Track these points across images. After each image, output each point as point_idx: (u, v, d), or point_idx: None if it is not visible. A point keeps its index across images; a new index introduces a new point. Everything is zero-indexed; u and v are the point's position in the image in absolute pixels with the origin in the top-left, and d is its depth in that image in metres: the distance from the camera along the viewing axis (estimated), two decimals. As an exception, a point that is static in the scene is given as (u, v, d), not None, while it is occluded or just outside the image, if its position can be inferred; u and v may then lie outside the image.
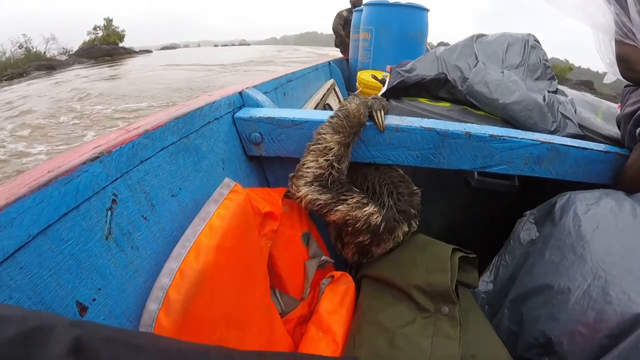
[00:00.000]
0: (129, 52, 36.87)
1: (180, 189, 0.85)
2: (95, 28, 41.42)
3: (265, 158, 1.23)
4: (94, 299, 0.59)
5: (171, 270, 0.65)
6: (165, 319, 0.61)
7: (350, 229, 1.03)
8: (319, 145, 0.98)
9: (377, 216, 1.00)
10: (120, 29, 43.57)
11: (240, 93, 1.23)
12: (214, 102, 1.04)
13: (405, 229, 1.07)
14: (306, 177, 0.98)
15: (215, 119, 1.05)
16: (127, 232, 0.68)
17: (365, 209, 0.99)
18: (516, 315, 0.93)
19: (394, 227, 1.04)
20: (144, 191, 0.73)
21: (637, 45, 1.17)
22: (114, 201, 0.66)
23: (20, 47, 33.29)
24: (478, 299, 1.08)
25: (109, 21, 42.00)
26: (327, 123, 1.01)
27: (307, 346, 0.91)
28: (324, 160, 0.97)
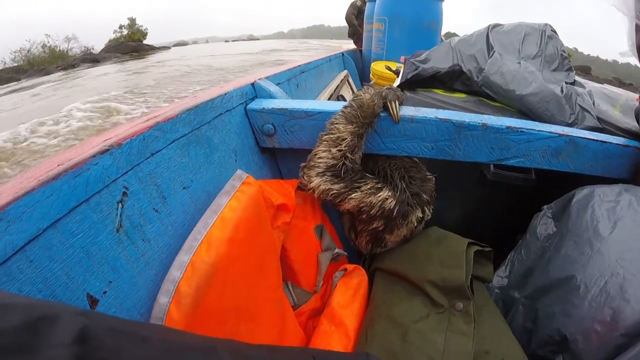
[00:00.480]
0: (152, 49, 39.86)
1: (192, 181, 0.85)
2: (120, 27, 45.19)
3: (278, 150, 1.23)
4: (105, 292, 0.59)
5: (182, 263, 0.65)
6: (176, 312, 0.61)
7: (364, 216, 1.02)
8: (331, 135, 0.97)
9: (392, 200, 0.99)
10: (143, 27, 47.90)
11: (252, 84, 1.22)
12: (225, 94, 1.04)
13: (419, 214, 1.06)
14: (318, 167, 0.97)
15: (227, 110, 1.04)
16: (138, 224, 0.67)
17: (379, 195, 0.98)
18: (531, 312, 0.92)
19: (408, 212, 1.02)
20: (155, 183, 0.73)
21: None
22: (124, 194, 0.65)
23: (44, 46, 38.72)
24: (492, 294, 1.07)
25: (132, 20, 45.50)
26: (340, 113, 1.00)
27: (319, 339, 0.90)
28: (337, 150, 0.96)
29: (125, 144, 0.67)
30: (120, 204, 0.64)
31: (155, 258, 0.70)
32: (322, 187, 0.97)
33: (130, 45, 38.10)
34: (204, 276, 0.65)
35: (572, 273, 0.84)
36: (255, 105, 1.14)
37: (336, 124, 0.98)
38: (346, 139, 0.96)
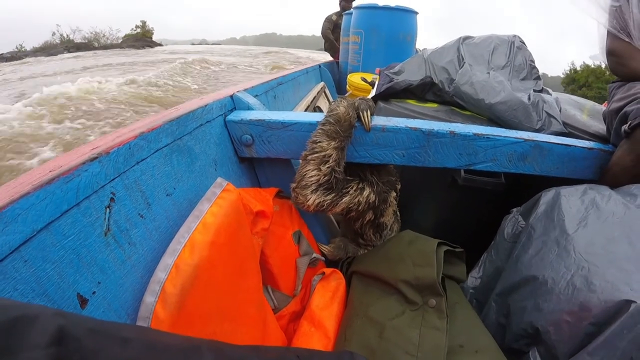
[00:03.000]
0: (158, 44, 50.67)
1: (174, 188, 0.87)
2: (136, 27, 56.21)
3: (257, 159, 1.26)
4: (94, 292, 0.61)
5: (167, 265, 0.67)
6: (162, 311, 0.64)
7: (353, 214, 1.11)
8: (318, 154, 1.02)
9: (372, 194, 1.10)
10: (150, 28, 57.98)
11: (231, 96, 1.25)
12: (206, 105, 1.07)
13: (394, 194, 1.20)
14: (311, 186, 1.01)
15: (208, 121, 1.07)
16: (124, 229, 0.70)
17: (364, 193, 1.08)
18: (503, 308, 0.96)
19: (386, 197, 1.15)
20: (140, 190, 0.76)
21: (632, 42, 1.21)
22: (112, 199, 0.68)
23: (53, 34, 46.26)
24: (467, 295, 1.10)
25: (144, 22, 56.53)
26: (320, 131, 1.04)
27: (299, 341, 0.93)
28: (327, 168, 1.01)
29: (112, 152, 0.70)
30: (108, 209, 0.67)
31: (141, 261, 0.73)
32: (317, 200, 1.02)
33: (146, 40, 48.59)
34: (188, 277, 0.67)
35: (541, 269, 0.89)
36: (234, 116, 1.17)
37: (319, 142, 1.02)
38: (332, 155, 1.01)
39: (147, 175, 0.79)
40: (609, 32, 1.26)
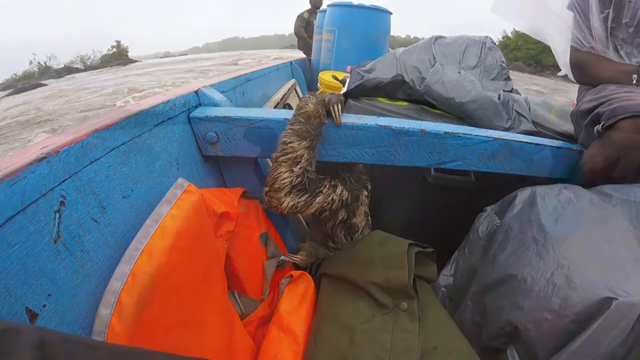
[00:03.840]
0: (135, 61, 51.53)
1: (132, 190, 0.82)
2: (112, 46, 61.75)
3: (222, 158, 1.22)
4: (44, 305, 0.57)
5: (123, 274, 0.63)
6: (118, 324, 0.60)
7: (327, 213, 1.10)
8: (289, 155, 0.99)
9: (345, 191, 1.10)
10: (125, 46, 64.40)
11: (196, 92, 1.20)
12: (168, 101, 1.02)
13: (365, 192, 1.20)
14: (285, 188, 0.99)
15: (169, 118, 1.03)
16: (76, 235, 0.65)
17: (337, 191, 1.08)
18: (480, 307, 0.96)
19: (358, 195, 1.15)
20: (94, 192, 0.71)
21: (592, 52, 1.27)
22: (62, 203, 0.63)
23: (30, 63, 52.82)
24: (439, 293, 1.10)
25: (118, 42, 62.43)
26: (289, 131, 1.01)
27: (268, 347, 0.90)
28: (299, 168, 0.99)
29: (62, 151, 0.65)
30: (57, 213, 0.62)
31: (96, 269, 0.68)
32: (291, 203, 1.00)
33: (125, 58, 51.71)
34: (146, 286, 0.63)
35: (519, 268, 0.89)
36: (199, 113, 1.13)
37: (289, 143, 0.99)
38: (304, 155, 0.99)
39: (101, 176, 0.74)
40: (571, 46, 1.34)
